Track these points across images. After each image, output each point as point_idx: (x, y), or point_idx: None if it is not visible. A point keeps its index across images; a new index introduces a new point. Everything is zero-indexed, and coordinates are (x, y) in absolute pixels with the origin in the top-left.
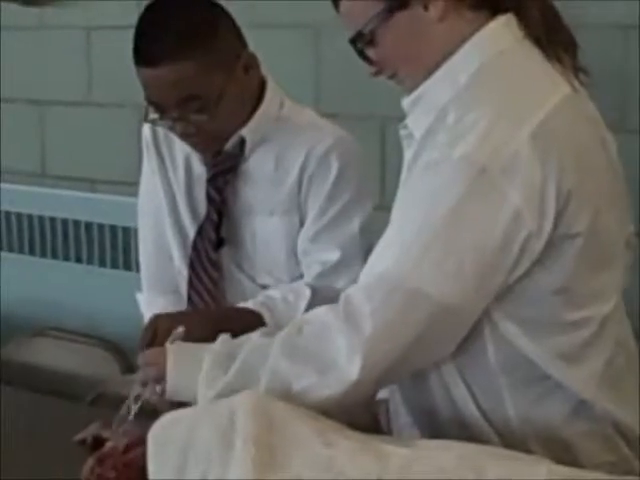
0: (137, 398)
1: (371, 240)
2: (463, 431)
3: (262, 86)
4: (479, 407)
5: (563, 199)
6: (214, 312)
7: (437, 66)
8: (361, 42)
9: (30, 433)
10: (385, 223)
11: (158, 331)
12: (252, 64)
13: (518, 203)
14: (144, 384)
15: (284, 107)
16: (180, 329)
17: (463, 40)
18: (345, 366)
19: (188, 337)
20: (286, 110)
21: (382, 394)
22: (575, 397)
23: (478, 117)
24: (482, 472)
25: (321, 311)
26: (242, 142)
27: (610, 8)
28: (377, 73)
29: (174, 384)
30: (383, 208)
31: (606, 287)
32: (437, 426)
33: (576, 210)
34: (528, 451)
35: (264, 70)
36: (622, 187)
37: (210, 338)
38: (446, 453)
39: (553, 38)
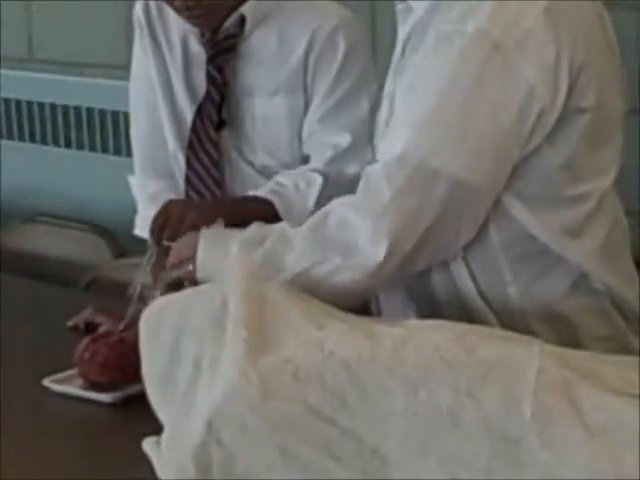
0: (138, 284)
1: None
2: (460, 312)
3: None
4: (477, 286)
5: (575, 74)
6: (226, 200)
7: None
8: None
9: (23, 318)
10: (377, 105)
11: (170, 216)
12: None
13: (532, 78)
14: (178, 265)
15: None
16: (219, 220)
17: None
18: (370, 249)
19: (200, 224)
20: None
21: None
22: (575, 271)
23: None
24: (474, 351)
25: (343, 200)
26: (242, 21)
27: None
28: None
29: (203, 265)
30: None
31: (606, 162)
32: (434, 307)
33: (585, 85)
34: (528, 329)
35: None
36: (618, 65)
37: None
38: (438, 332)
39: None
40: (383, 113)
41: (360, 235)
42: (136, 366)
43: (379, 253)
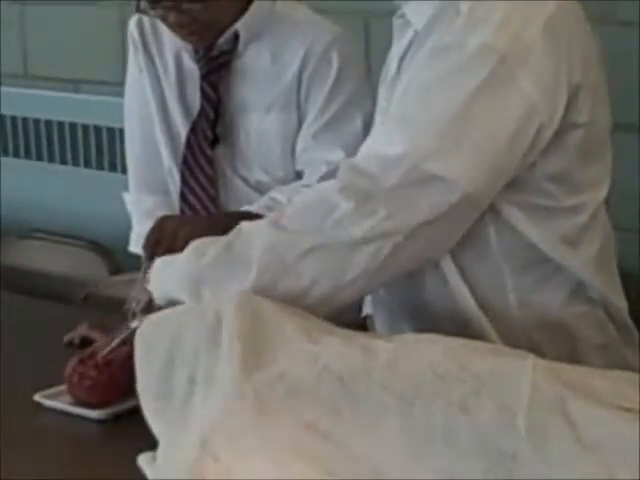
0: (134, 301)
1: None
2: (457, 324)
3: None
4: (477, 299)
5: (572, 90)
6: (220, 215)
7: None
8: None
9: (18, 333)
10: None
11: (164, 232)
12: None
13: (532, 94)
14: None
15: (277, 3)
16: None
17: None
18: (349, 227)
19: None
20: (279, 5)
21: (367, 310)
22: (573, 279)
23: (494, 6)
24: (468, 365)
25: (315, 188)
26: (236, 38)
27: None
28: None
29: (156, 285)
30: None
31: (599, 175)
32: (429, 321)
33: (581, 102)
34: (527, 337)
35: None
36: (605, 82)
37: None
38: (432, 347)
39: None
40: (384, 121)
41: (340, 214)
42: (126, 384)
43: (353, 232)
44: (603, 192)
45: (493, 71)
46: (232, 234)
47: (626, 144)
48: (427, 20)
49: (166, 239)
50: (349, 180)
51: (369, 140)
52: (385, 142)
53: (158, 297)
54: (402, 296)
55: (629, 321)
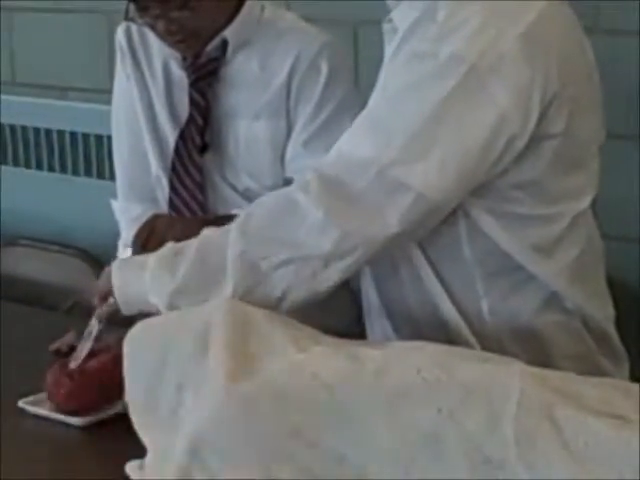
0: (100, 314)
1: None
2: (439, 330)
3: None
4: (453, 301)
5: (547, 101)
6: (210, 217)
7: None
8: None
9: (5, 341)
10: None
11: (155, 230)
12: None
13: (504, 104)
14: (103, 300)
15: (265, 10)
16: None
17: None
18: (320, 239)
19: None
20: (268, 13)
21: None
22: (547, 289)
23: (469, 15)
24: (455, 372)
25: (278, 192)
26: (224, 45)
27: None
28: None
29: (121, 290)
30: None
31: (579, 186)
32: (413, 327)
33: (557, 112)
34: (501, 347)
35: None
36: (598, 93)
37: None
38: (420, 354)
39: None
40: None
41: (310, 224)
42: (105, 391)
43: (325, 244)
44: (584, 203)
45: (463, 80)
46: (199, 243)
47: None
48: (408, 25)
49: (156, 237)
50: (318, 187)
51: (340, 141)
52: (354, 145)
53: (125, 309)
54: (382, 296)
55: (610, 330)
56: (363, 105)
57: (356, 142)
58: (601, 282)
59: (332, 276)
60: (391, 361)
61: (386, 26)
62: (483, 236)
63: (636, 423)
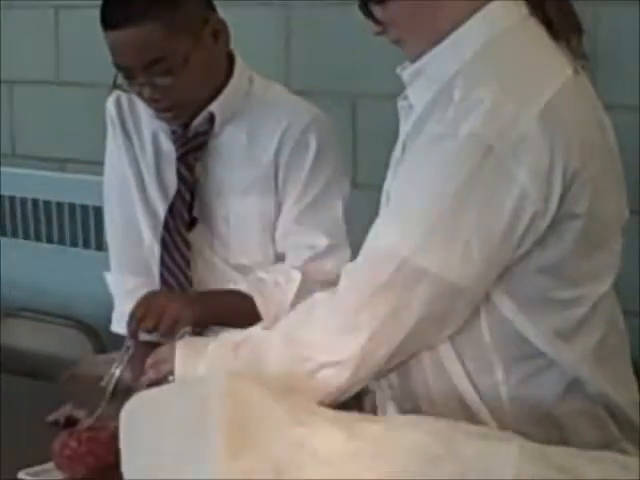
0: (112, 377)
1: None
2: (459, 414)
3: (231, 61)
4: (474, 385)
5: (569, 180)
6: (207, 293)
7: (442, 36)
8: None
9: (3, 412)
10: (357, 201)
11: (151, 308)
12: (221, 30)
13: (525, 184)
14: (156, 382)
15: (253, 83)
16: (187, 328)
17: (471, 12)
18: (342, 344)
19: (181, 317)
20: (256, 86)
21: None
22: (569, 375)
23: (484, 95)
24: (454, 448)
25: (323, 295)
26: (211, 119)
27: None
28: (380, 33)
29: (182, 374)
30: (355, 186)
31: (601, 268)
32: (434, 410)
33: (579, 191)
34: (521, 433)
35: (233, 45)
36: (620, 171)
37: (205, 319)
38: (419, 429)
39: (563, 19)
40: (382, 210)
41: (330, 331)
42: (110, 460)
43: (354, 348)
44: (605, 285)
45: (482, 162)
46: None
47: None
48: (425, 104)
49: (152, 315)
50: (343, 289)
51: (372, 230)
52: (378, 233)
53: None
54: (401, 381)
55: (635, 417)
56: (357, 177)
57: (381, 230)
58: (625, 365)
59: (364, 375)
60: (390, 435)
61: (402, 103)
62: (503, 321)
63: None
